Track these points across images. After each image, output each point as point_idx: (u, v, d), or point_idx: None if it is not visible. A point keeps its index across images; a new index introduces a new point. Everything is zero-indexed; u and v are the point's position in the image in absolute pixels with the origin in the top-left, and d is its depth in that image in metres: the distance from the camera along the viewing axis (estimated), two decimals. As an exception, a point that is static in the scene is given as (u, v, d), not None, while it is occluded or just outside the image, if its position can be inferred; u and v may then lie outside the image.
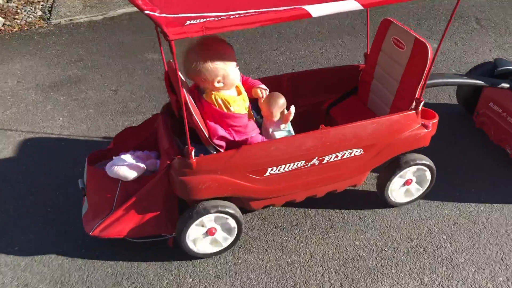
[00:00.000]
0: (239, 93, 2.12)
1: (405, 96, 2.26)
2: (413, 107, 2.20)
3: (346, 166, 2.22)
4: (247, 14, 1.60)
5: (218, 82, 1.96)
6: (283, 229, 2.40)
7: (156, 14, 1.57)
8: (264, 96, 2.18)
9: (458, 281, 2.13)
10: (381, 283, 2.13)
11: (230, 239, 2.23)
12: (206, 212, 2.09)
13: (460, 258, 2.24)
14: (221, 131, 1.98)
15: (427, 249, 2.28)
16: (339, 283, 2.13)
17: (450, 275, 2.15)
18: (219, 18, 1.57)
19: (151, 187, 2.09)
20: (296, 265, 2.22)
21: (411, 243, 2.31)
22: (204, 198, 2.08)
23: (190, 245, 2.18)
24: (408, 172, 2.36)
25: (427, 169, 2.37)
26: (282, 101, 2.14)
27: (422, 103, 2.18)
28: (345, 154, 2.16)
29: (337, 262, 2.23)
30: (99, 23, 4.60)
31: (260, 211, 2.46)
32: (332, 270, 2.20)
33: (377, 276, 2.16)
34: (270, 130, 2.18)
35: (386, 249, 2.29)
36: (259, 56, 3.91)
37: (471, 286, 2.11)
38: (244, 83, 2.22)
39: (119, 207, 2.11)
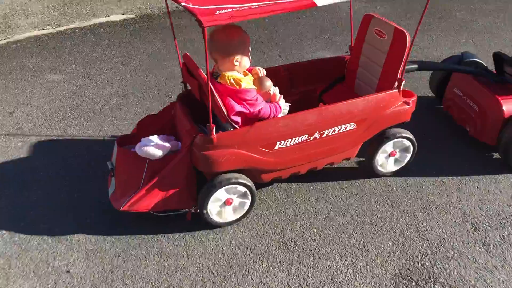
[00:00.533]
0: (246, 75, 2.45)
1: (388, 78, 2.64)
2: (395, 86, 2.58)
3: (342, 139, 2.56)
4: (264, 5, 1.94)
5: (236, 60, 2.30)
6: (163, 236, 2.49)
7: (190, 5, 1.89)
8: (262, 74, 2.51)
9: (322, 270, 2.28)
10: (251, 277, 2.26)
11: (248, 202, 2.52)
12: (225, 183, 2.38)
13: (326, 249, 2.40)
14: (237, 107, 2.29)
15: (298, 243, 2.44)
16: (211, 281, 2.24)
17: (316, 265, 2.31)
18: (242, 8, 1.91)
19: (175, 164, 2.37)
20: (173, 268, 2.31)
21: (284, 238, 2.46)
22: (223, 171, 2.38)
23: (212, 215, 2.46)
24: (392, 144, 2.73)
25: (409, 142, 2.75)
26: (268, 83, 2.49)
27: (403, 82, 2.57)
28: (341, 128, 2.51)
29: (212, 262, 2.34)
30: (2, 47, 4.66)
31: (140, 218, 2.55)
32: (206, 269, 2.30)
33: (248, 271, 2.29)
34: None
35: (259, 246, 2.42)
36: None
37: (334, 273, 2.27)
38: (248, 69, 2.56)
39: (147, 184, 2.39)
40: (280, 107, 2.46)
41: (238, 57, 2.31)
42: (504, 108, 2.79)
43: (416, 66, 2.80)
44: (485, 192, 2.75)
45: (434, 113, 3.45)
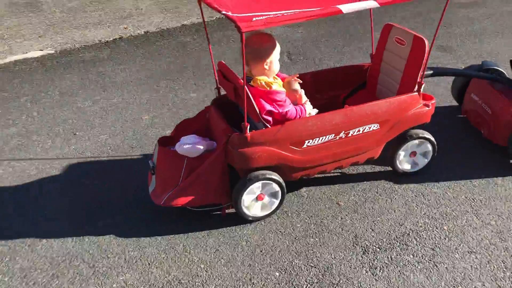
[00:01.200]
0: (275, 79, 2.66)
1: (409, 82, 2.82)
2: (415, 90, 2.76)
3: (366, 139, 2.73)
4: (295, 12, 2.16)
5: (266, 64, 2.51)
6: (41, 284, 2.37)
7: (230, 14, 2.11)
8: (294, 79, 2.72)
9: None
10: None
11: (276, 202, 2.70)
12: (257, 179, 2.57)
13: (211, 286, 2.33)
14: (268, 106, 2.48)
15: (182, 280, 2.35)
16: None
17: (196, 304, 2.22)
18: (277, 15, 2.13)
19: (211, 162, 2.57)
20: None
21: (168, 277, 2.37)
22: (256, 167, 2.57)
23: (245, 210, 2.64)
24: (412, 145, 2.89)
25: (429, 143, 2.91)
26: (296, 85, 2.68)
27: (422, 86, 2.74)
28: (365, 128, 2.69)
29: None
30: None
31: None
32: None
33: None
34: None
35: (142, 287, 2.33)
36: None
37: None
38: (278, 75, 2.77)
39: (185, 180, 2.59)
40: (305, 109, 2.64)
41: (268, 61, 2.52)
42: None
43: (432, 72, 2.98)
44: (379, 213, 2.77)
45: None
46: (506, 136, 3.01)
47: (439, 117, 3.46)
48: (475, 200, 2.83)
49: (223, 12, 2.11)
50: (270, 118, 2.52)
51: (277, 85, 2.59)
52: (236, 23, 2.06)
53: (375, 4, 2.27)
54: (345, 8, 2.22)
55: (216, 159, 2.57)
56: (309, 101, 3.03)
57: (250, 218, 2.70)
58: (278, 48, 2.57)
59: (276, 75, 2.73)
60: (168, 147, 2.74)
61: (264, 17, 2.11)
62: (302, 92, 2.72)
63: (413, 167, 3.02)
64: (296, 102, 2.68)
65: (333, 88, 3.21)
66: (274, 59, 2.56)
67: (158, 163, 2.69)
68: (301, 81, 2.73)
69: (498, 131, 3.07)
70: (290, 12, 2.17)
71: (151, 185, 2.75)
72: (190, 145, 2.57)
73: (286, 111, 2.54)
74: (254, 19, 2.09)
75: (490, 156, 3.18)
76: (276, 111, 2.51)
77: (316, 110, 2.74)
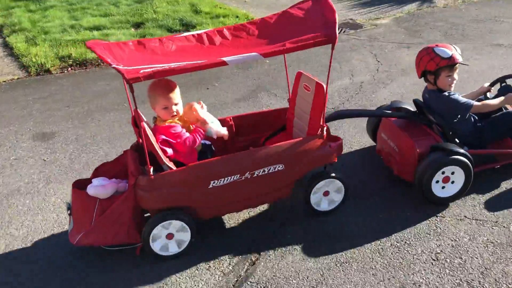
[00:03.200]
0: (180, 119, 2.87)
1: (314, 125, 2.99)
2: (319, 132, 2.93)
3: (272, 179, 2.88)
4: (181, 65, 2.37)
5: (165, 108, 2.75)
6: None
7: (120, 67, 2.32)
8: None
9: None
10: None
11: (186, 242, 2.82)
12: (163, 219, 2.71)
13: None
14: (170, 151, 2.67)
15: None
16: None
17: None
18: (163, 67, 2.33)
19: (120, 202, 2.72)
20: None
21: None
22: (161, 208, 2.71)
23: (154, 249, 2.77)
24: (323, 184, 3.03)
25: (339, 181, 3.06)
26: (194, 105, 2.85)
27: (325, 128, 2.92)
28: (270, 169, 2.84)
29: None
30: None
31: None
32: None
33: None
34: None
35: None
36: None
37: None
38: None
39: (96, 220, 2.73)
40: (202, 132, 2.83)
41: (166, 106, 2.76)
42: (417, 147, 3.12)
43: (340, 113, 3.18)
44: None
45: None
46: (413, 173, 3.16)
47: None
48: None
49: (114, 65, 2.32)
50: (167, 149, 2.70)
51: (176, 122, 2.82)
52: (124, 75, 2.26)
53: (258, 56, 2.48)
54: (229, 60, 2.43)
55: (124, 200, 2.72)
56: (230, 143, 3.23)
57: (168, 257, 2.82)
58: (177, 93, 2.78)
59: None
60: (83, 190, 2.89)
61: (151, 69, 2.32)
62: (201, 111, 2.86)
63: (330, 205, 3.14)
64: (197, 123, 2.86)
65: (255, 131, 3.39)
66: (173, 103, 2.77)
67: (73, 205, 2.84)
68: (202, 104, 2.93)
69: (405, 168, 3.23)
70: (177, 64, 2.38)
71: (69, 226, 2.88)
72: (98, 187, 2.73)
73: (185, 139, 2.77)
74: (141, 71, 2.30)
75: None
76: (174, 141, 2.73)
77: (224, 129, 2.93)
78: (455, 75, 3.21)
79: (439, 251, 2.81)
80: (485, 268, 2.67)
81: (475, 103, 3.23)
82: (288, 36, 2.61)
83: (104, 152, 4.04)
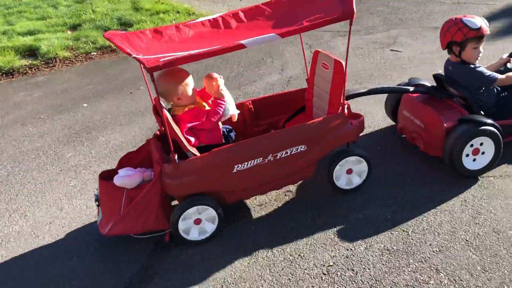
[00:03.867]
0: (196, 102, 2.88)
1: (335, 103, 2.98)
2: (340, 110, 2.92)
3: (296, 160, 2.88)
4: (199, 52, 2.37)
5: (178, 98, 2.75)
6: None
7: (140, 56, 2.33)
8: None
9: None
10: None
11: (214, 226, 2.85)
12: (192, 204, 2.74)
13: None
14: (193, 139, 2.70)
15: None
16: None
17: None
18: (183, 55, 2.34)
19: (147, 190, 2.75)
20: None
21: None
22: (188, 194, 2.74)
23: (183, 234, 2.81)
24: (347, 162, 3.02)
25: (363, 160, 3.05)
26: (214, 75, 2.87)
27: (345, 106, 2.90)
28: (292, 150, 2.84)
29: None
30: None
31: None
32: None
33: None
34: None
35: None
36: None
37: None
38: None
39: (125, 210, 2.77)
40: (220, 104, 2.83)
41: (180, 94, 2.76)
42: (444, 122, 3.07)
43: (361, 91, 3.14)
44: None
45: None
46: (441, 147, 3.13)
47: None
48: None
49: (134, 55, 2.33)
50: (192, 138, 2.73)
51: (196, 106, 2.85)
52: (145, 64, 2.27)
53: (276, 37, 2.46)
54: (247, 42, 2.42)
55: (151, 188, 2.75)
56: (250, 127, 3.24)
57: (191, 242, 2.85)
58: (186, 80, 2.78)
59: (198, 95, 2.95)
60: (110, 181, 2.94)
61: (171, 57, 2.33)
62: (218, 77, 2.87)
63: (348, 185, 3.14)
64: (215, 94, 2.87)
65: (274, 114, 3.39)
66: (186, 91, 2.78)
67: (101, 196, 2.89)
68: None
69: (433, 144, 3.19)
70: (196, 51, 2.38)
71: (98, 217, 2.94)
72: (124, 177, 2.77)
73: (208, 116, 2.79)
74: (161, 59, 2.31)
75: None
76: (199, 122, 2.76)
77: (237, 111, 2.97)
78: (481, 48, 3.15)
79: (331, 264, 2.63)
80: (376, 280, 2.49)
81: (500, 76, 3.15)
82: (305, 15, 2.59)
83: (7, 172, 3.83)
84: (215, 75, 2.88)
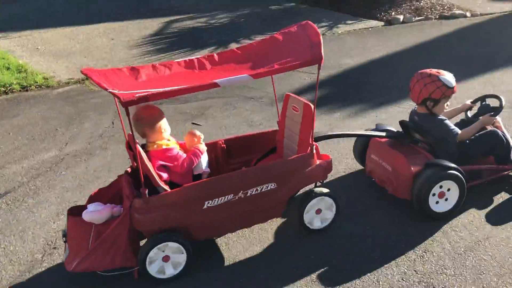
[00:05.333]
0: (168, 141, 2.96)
1: (304, 144, 3.09)
2: (309, 150, 3.02)
3: (265, 198, 2.94)
4: (175, 89, 2.46)
5: (157, 130, 2.84)
6: None
7: (116, 91, 2.41)
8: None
9: None
10: None
11: (182, 264, 2.84)
12: (159, 241, 2.73)
13: None
14: (165, 175, 2.73)
15: None
16: None
17: None
18: (157, 91, 2.42)
19: (116, 226, 2.74)
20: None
21: None
22: (157, 230, 2.74)
23: (151, 272, 2.78)
24: (314, 203, 3.10)
25: (330, 198, 3.13)
26: (195, 132, 3.03)
27: (314, 147, 3.01)
28: (263, 187, 2.91)
29: None
30: None
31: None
32: None
33: None
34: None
35: None
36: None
37: None
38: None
39: (93, 245, 2.74)
40: (200, 150, 2.95)
41: (158, 126, 2.85)
42: (412, 166, 3.21)
43: (330, 133, 3.28)
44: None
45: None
46: (409, 191, 3.24)
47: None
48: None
49: (109, 90, 2.41)
50: (163, 174, 2.76)
51: (170, 144, 2.92)
52: (120, 99, 2.35)
53: (249, 78, 2.59)
54: (221, 81, 2.53)
55: (120, 223, 2.74)
56: (222, 165, 3.30)
57: (165, 280, 2.82)
58: (149, 120, 2.86)
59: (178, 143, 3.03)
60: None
61: (146, 92, 2.41)
62: (201, 136, 3.04)
63: (323, 222, 3.20)
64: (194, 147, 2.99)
65: (247, 154, 3.47)
66: (163, 124, 2.88)
67: (69, 232, 2.86)
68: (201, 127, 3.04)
69: (401, 187, 3.31)
70: (171, 88, 2.47)
71: (65, 254, 2.89)
72: (93, 212, 2.77)
73: (182, 162, 2.86)
74: (136, 95, 2.38)
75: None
76: (171, 164, 2.80)
77: (208, 170, 3.06)
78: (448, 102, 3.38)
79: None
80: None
81: (460, 131, 3.35)
82: (276, 58, 2.74)
83: None
84: (198, 133, 3.02)
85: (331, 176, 3.66)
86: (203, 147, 3.01)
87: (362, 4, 9.56)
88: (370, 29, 8.50)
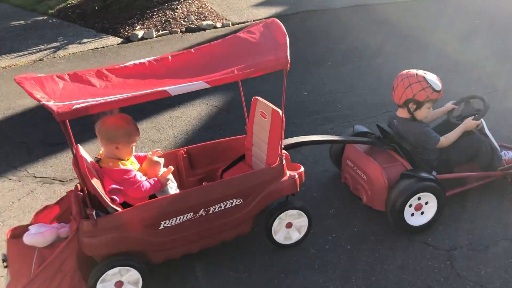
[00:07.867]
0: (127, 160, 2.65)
1: (273, 154, 2.82)
2: (278, 161, 2.75)
3: (230, 215, 2.67)
4: (120, 98, 2.16)
5: (116, 147, 2.53)
6: None
7: (50, 103, 2.10)
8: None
9: None
10: None
11: None
12: (111, 265, 2.45)
13: None
14: (115, 192, 2.43)
15: None
16: None
17: None
18: (99, 102, 2.12)
19: (61, 250, 2.45)
20: None
21: None
22: (108, 253, 2.46)
23: (102, 299, 2.50)
24: (286, 216, 2.83)
25: (303, 212, 2.87)
26: (155, 158, 2.73)
27: (283, 157, 2.74)
28: (227, 204, 2.63)
29: None
30: None
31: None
32: None
33: None
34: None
35: None
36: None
37: None
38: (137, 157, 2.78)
39: (36, 272, 2.45)
40: (160, 182, 2.66)
41: (119, 145, 2.53)
42: (387, 176, 2.95)
43: (300, 141, 3.01)
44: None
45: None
46: (383, 202, 3.00)
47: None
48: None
49: (43, 102, 2.10)
50: (116, 197, 2.47)
51: (127, 163, 2.60)
52: (53, 110, 2.04)
53: (204, 85, 2.30)
54: (172, 89, 2.24)
55: (66, 247, 2.45)
56: (185, 177, 3.03)
57: None
58: (130, 132, 2.56)
59: (135, 156, 2.73)
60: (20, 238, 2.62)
61: (86, 103, 2.11)
62: (161, 162, 2.75)
63: (286, 240, 2.93)
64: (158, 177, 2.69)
65: (211, 162, 3.19)
66: (127, 143, 2.56)
67: (9, 256, 2.56)
68: (161, 154, 2.78)
69: (375, 197, 3.06)
70: (115, 97, 2.17)
71: (6, 280, 2.59)
72: (35, 235, 2.47)
73: (138, 185, 2.54)
74: (74, 106, 2.08)
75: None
76: (130, 188, 2.50)
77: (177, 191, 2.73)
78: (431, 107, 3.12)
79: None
80: None
81: (441, 138, 3.09)
82: (238, 62, 2.45)
83: None
84: (156, 159, 2.74)
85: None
86: (164, 180, 2.69)
87: (109, 18, 8.01)
88: (101, 48, 6.91)
